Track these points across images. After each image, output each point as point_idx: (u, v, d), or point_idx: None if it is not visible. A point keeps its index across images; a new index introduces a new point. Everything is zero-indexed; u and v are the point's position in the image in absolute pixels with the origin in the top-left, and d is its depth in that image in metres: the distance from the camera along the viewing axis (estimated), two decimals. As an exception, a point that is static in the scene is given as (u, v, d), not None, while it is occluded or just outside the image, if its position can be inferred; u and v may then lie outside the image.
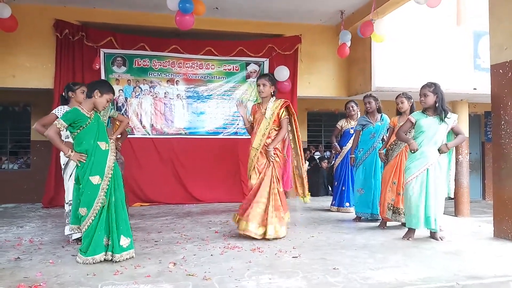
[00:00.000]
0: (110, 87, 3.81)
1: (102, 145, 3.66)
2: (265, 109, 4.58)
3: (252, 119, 4.77)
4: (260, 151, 4.53)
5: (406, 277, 3.18)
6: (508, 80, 4.53)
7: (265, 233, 4.38)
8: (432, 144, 4.40)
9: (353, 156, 5.95)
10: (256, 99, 7.73)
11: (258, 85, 4.63)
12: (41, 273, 3.26)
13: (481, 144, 11.81)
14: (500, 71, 4.62)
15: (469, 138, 9.55)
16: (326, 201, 7.59)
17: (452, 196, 4.72)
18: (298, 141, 4.73)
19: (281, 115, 4.55)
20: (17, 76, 7.08)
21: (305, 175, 4.75)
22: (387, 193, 5.12)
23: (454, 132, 4.54)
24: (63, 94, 4.54)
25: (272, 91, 4.63)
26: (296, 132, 4.71)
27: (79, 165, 3.58)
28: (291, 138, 4.76)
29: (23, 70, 7.10)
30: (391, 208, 5.11)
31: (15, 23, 6.23)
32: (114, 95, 3.79)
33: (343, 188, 6.57)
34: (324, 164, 9.30)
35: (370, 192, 5.63)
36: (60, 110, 4.24)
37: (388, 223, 5.26)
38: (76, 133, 3.60)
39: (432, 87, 4.43)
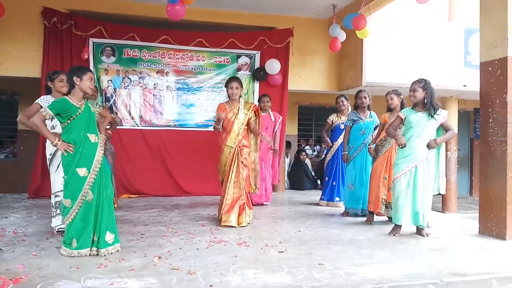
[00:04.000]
0: (84, 67, 3.84)
1: (92, 138, 3.62)
2: (238, 110, 4.99)
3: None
4: (235, 148, 4.92)
5: (391, 273, 3.19)
6: (496, 78, 4.54)
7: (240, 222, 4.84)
8: (420, 140, 4.42)
9: (347, 153, 5.78)
10: (246, 93, 7.75)
11: (231, 88, 4.99)
12: (23, 266, 3.23)
13: (469, 141, 11.89)
14: (489, 68, 4.63)
15: (458, 135, 9.59)
16: (314, 195, 7.59)
17: (443, 192, 4.74)
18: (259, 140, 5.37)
19: (250, 118, 5.08)
20: (4, 64, 6.95)
21: (258, 168, 5.34)
22: (380, 188, 5.15)
23: (443, 128, 4.56)
24: (47, 83, 4.49)
25: (241, 93, 5.11)
26: (259, 131, 5.28)
27: (65, 154, 3.53)
28: (251, 137, 5.21)
29: (11, 58, 6.96)
30: (384, 203, 5.14)
31: (2, 10, 6.08)
32: (92, 73, 3.80)
33: (334, 183, 6.57)
34: (302, 157, 9.27)
35: (361, 188, 5.63)
36: (43, 100, 4.21)
37: (375, 218, 5.28)
38: (66, 124, 3.57)
39: (422, 82, 4.46)
